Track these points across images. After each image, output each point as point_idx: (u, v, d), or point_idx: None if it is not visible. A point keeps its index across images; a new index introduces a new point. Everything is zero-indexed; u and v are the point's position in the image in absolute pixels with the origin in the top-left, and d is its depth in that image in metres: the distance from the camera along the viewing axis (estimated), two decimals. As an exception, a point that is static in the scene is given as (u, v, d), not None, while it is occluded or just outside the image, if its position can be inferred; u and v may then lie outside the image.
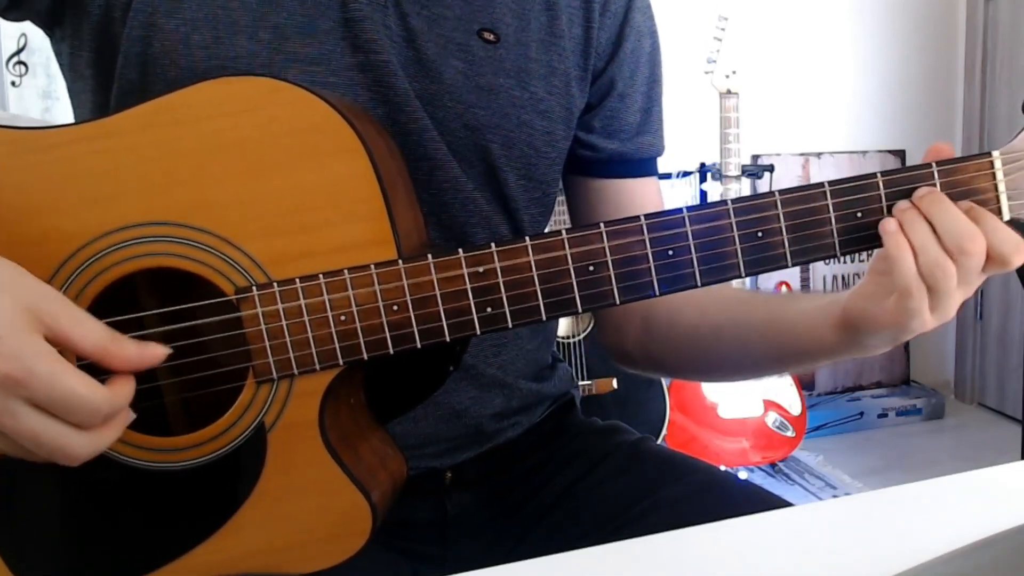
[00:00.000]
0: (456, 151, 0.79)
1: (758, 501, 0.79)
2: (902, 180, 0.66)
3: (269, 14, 0.74)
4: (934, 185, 0.66)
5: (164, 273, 0.64)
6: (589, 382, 2.28)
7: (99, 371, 0.58)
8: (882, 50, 3.20)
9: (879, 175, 0.66)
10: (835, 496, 2.55)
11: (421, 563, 0.85)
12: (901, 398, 3.16)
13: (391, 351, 0.65)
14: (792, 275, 3.10)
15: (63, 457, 0.57)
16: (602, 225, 0.65)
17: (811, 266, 3.16)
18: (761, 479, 2.62)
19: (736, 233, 0.65)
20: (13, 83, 2.45)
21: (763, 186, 2.74)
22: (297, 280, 0.64)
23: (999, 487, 0.70)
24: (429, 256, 0.64)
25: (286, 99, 0.64)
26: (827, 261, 3.16)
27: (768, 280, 2.91)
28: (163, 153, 0.64)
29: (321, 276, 0.64)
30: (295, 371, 0.64)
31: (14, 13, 0.76)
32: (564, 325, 2.29)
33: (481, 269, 0.64)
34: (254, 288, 0.64)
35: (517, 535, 0.86)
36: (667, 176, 2.73)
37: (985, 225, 0.65)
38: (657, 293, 0.65)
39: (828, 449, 2.87)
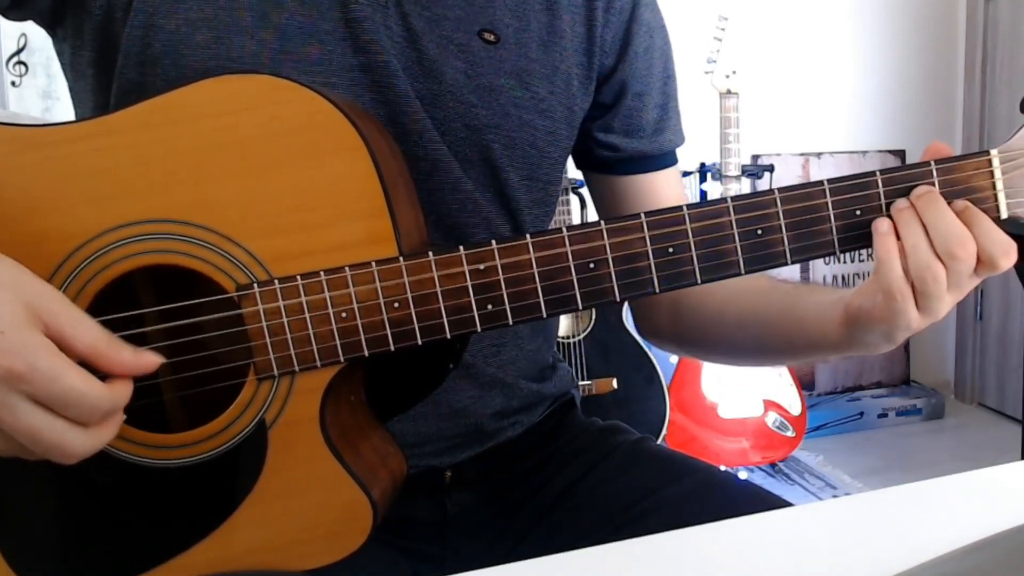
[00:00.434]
0: (457, 151, 0.79)
1: (758, 501, 0.79)
2: (901, 178, 0.66)
3: (270, 15, 0.74)
4: (933, 184, 0.66)
5: (165, 270, 0.64)
6: (589, 382, 2.28)
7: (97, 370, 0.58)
8: (882, 50, 3.20)
9: (878, 173, 0.66)
10: (835, 496, 2.55)
11: (421, 562, 0.85)
12: (901, 398, 3.16)
13: (392, 348, 0.65)
14: (792, 274, 3.09)
15: (59, 454, 0.57)
16: (603, 223, 0.65)
17: (811, 266, 3.16)
18: (761, 479, 2.62)
19: (736, 231, 0.66)
20: (13, 83, 2.45)
21: (763, 186, 2.74)
22: (298, 277, 0.64)
23: (999, 487, 0.70)
24: (430, 253, 0.64)
25: (287, 97, 0.64)
26: (827, 260, 3.16)
27: (768, 279, 2.91)
28: (164, 151, 0.64)
29: (322, 273, 0.64)
30: (296, 368, 0.64)
31: (16, 13, 0.76)
32: (564, 325, 2.29)
33: (482, 266, 0.64)
34: (255, 285, 0.64)
35: (517, 535, 0.86)
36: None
37: (978, 227, 0.65)
38: (657, 290, 0.66)
39: (828, 449, 2.87)
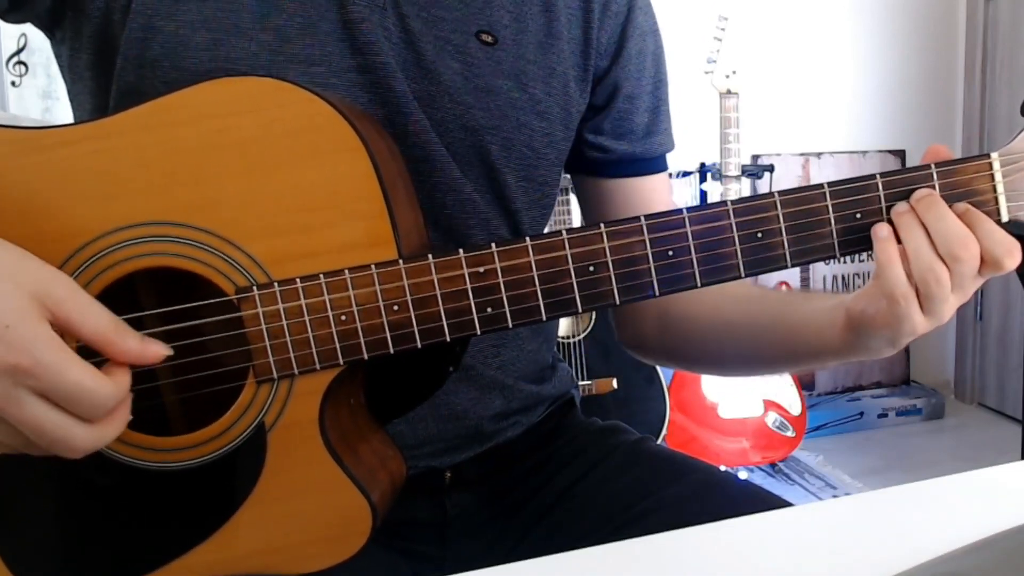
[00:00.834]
0: (455, 152, 0.79)
1: (758, 501, 0.79)
2: (901, 181, 0.66)
3: (269, 16, 0.74)
4: (933, 187, 0.66)
5: (164, 273, 0.64)
6: (589, 382, 2.28)
7: (97, 360, 0.58)
8: (882, 50, 3.20)
9: (878, 176, 0.66)
10: (835, 496, 2.55)
11: (420, 563, 0.85)
12: (901, 398, 3.16)
13: (391, 351, 0.65)
14: (792, 275, 3.10)
15: (64, 449, 0.57)
16: (602, 225, 0.65)
17: (811, 266, 3.16)
18: (761, 479, 2.62)
19: (736, 234, 0.65)
20: (13, 83, 2.45)
21: (763, 186, 2.75)
22: (298, 280, 0.64)
23: (999, 487, 0.69)
24: (430, 256, 0.64)
25: (287, 99, 0.64)
26: (827, 261, 3.16)
27: (768, 279, 2.91)
28: (164, 153, 0.64)
29: (322, 276, 0.64)
30: (295, 371, 0.64)
31: (14, 15, 0.76)
32: (564, 325, 2.29)
33: (481, 269, 0.64)
34: (255, 288, 0.64)
35: (517, 535, 0.86)
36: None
37: (980, 228, 0.65)
38: (657, 294, 0.66)
39: (828, 449, 2.87)
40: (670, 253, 0.65)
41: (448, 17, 0.78)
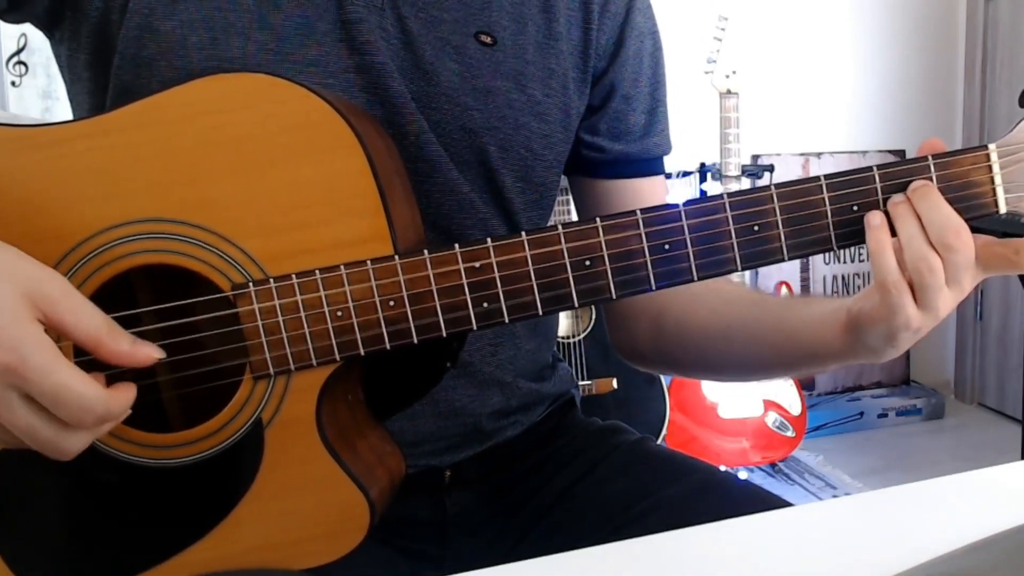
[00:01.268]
0: (453, 153, 0.79)
1: (758, 501, 0.79)
2: (898, 173, 0.66)
3: (266, 16, 0.74)
4: (930, 178, 0.66)
5: (161, 270, 0.64)
6: (589, 382, 2.28)
7: (106, 372, 0.58)
8: (882, 50, 3.20)
9: (875, 169, 0.66)
10: (835, 496, 2.55)
11: (420, 562, 0.85)
12: (901, 398, 3.16)
13: (388, 346, 0.64)
14: (792, 276, 3.10)
15: (53, 452, 0.57)
16: (598, 220, 0.65)
17: (811, 266, 3.16)
18: (761, 479, 2.62)
19: (732, 227, 0.65)
20: (13, 83, 2.45)
21: (763, 186, 2.74)
22: (294, 276, 0.63)
23: (999, 487, 0.69)
24: (425, 252, 0.64)
25: (283, 96, 0.64)
26: (827, 260, 3.15)
27: (768, 280, 2.91)
28: (160, 150, 0.64)
29: (317, 272, 0.63)
30: (292, 367, 0.64)
31: (13, 15, 0.76)
32: (564, 325, 2.29)
33: (477, 264, 0.64)
34: (251, 284, 0.64)
35: (517, 535, 0.86)
36: (667, 176, 2.72)
37: (923, 202, 0.64)
38: (653, 287, 0.65)
39: (828, 449, 2.87)
40: (666, 247, 0.65)
41: (447, 18, 0.78)
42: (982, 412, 3.26)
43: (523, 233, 0.64)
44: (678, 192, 2.83)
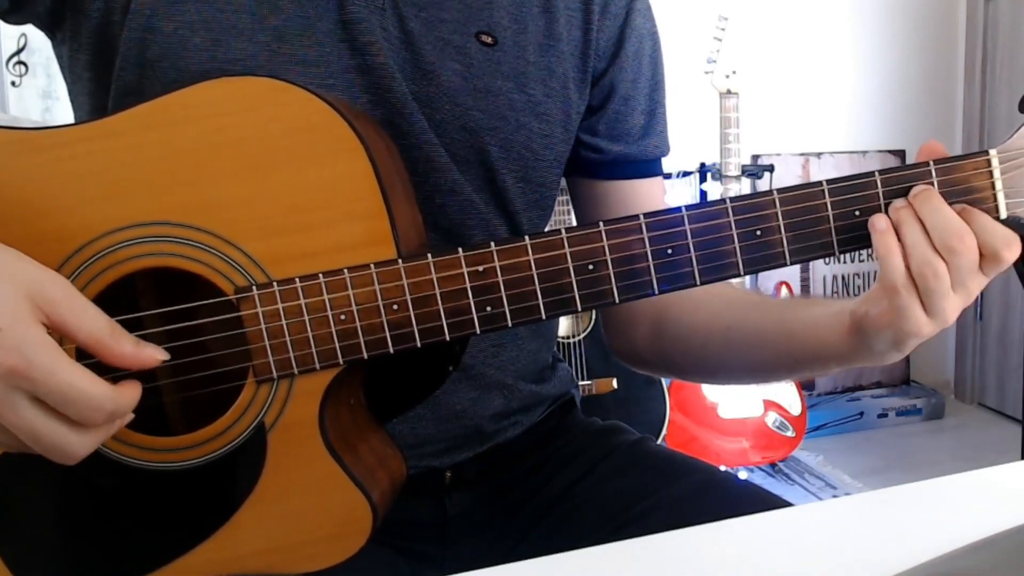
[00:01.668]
0: (454, 153, 0.79)
1: (758, 501, 0.79)
2: (900, 179, 0.66)
3: (268, 16, 0.74)
4: (932, 184, 0.66)
5: (164, 273, 0.64)
6: (589, 382, 2.28)
7: (109, 374, 0.58)
8: (882, 50, 3.20)
9: (877, 174, 0.66)
10: (835, 496, 2.55)
11: (420, 563, 0.85)
12: (901, 398, 3.16)
13: (391, 350, 0.65)
14: (792, 276, 3.10)
15: (59, 456, 0.57)
16: (601, 224, 0.65)
17: (811, 266, 3.16)
18: (761, 479, 2.62)
19: (735, 232, 0.65)
20: (13, 83, 2.45)
21: (763, 186, 2.74)
22: (297, 280, 0.64)
23: (999, 487, 0.69)
24: (429, 255, 0.64)
25: (286, 99, 0.64)
26: (827, 261, 3.15)
27: (768, 280, 2.91)
28: (163, 153, 0.64)
29: (321, 275, 0.64)
30: (295, 370, 0.64)
31: (15, 16, 0.76)
32: (564, 325, 2.29)
33: (481, 268, 0.64)
34: (254, 288, 0.64)
35: (517, 535, 0.86)
36: (667, 176, 2.73)
37: (975, 223, 0.65)
38: (656, 292, 0.65)
39: (828, 449, 2.87)
40: (669, 251, 0.65)
41: (448, 18, 0.78)
42: (982, 412, 3.26)
43: (527, 237, 0.64)
44: (678, 192, 2.83)
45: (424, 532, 0.86)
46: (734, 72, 2.36)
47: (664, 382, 2.39)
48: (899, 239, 0.65)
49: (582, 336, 2.30)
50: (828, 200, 0.66)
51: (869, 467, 2.77)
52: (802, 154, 3.13)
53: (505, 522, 0.87)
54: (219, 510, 0.66)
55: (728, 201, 0.65)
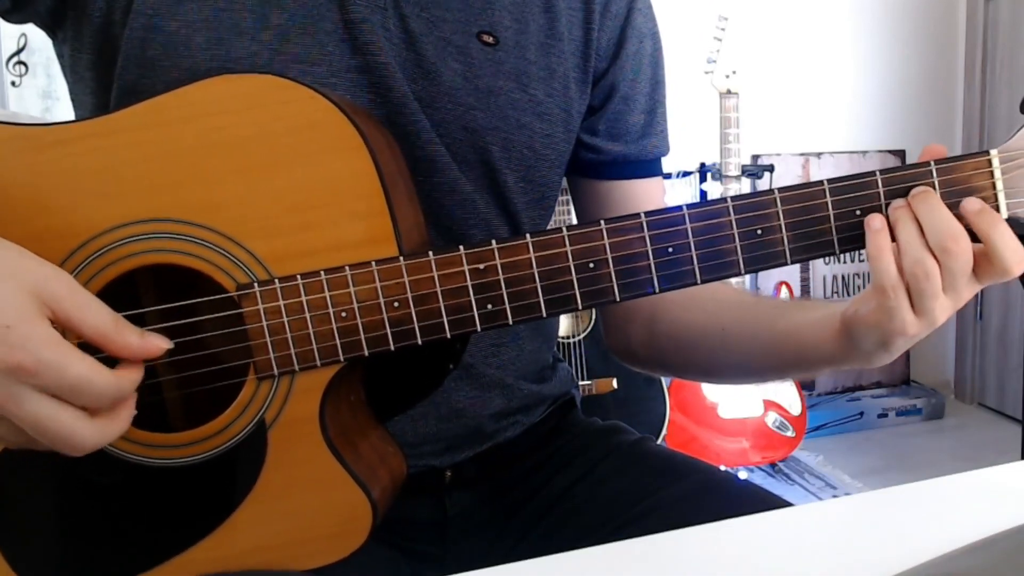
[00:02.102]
0: (455, 153, 0.79)
1: (758, 501, 0.79)
2: (900, 179, 0.66)
3: (269, 16, 0.74)
4: (932, 184, 0.66)
5: (166, 270, 0.64)
6: (589, 382, 2.28)
7: (108, 361, 0.58)
8: (882, 50, 3.20)
9: (878, 174, 0.66)
10: (835, 496, 2.55)
11: (420, 562, 0.85)
12: (901, 398, 3.16)
13: (392, 347, 0.65)
14: (792, 276, 3.10)
15: (67, 446, 0.57)
16: (602, 222, 0.65)
17: (811, 266, 3.16)
18: (761, 479, 2.62)
19: (736, 231, 0.66)
20: (13, 83, 2.45)
21: (763, 186, 2.74)
22: (299, 276, 0.64)
23: (999, 487, 0.69)
24: (430, 253, 0.64)
25: (288, 97, 0.64)
26: (827, 260, 3.15)
27: (768, 280, 2.91)
28: (166, 150, 0.64)
29: (323, 273, 0.64)
30: (296, 367, 0.64)
31: (16, 16, 0.76)
32: (564, 325, 2.29)
33: (482, 266, 0.64)
34: (256, 284, 0.64)
35: (517, 535, 0.86)
36: (667, 176, 2.73)
37: (995, 229, 0.64)
38: (657, 290, 0.66)
39: (828, 449, 2.87)
40: (670, 250, 0.65)
41: (449, 18, 0.78)
42: (982, 412, 3.26)
43: (527, 235, 0.64)
44: (678, 192, 2.83)
45: (424, 531, 0.86)
46: (734, 72, 2.36)
47: (664, 382, 2.39)
48: (894, 237, 0.66)
49: (582, 336, 2.30)
50: (829, 199, 0.66)
51: (869, 467, 2.77)
52: (802, 154, 3.13)
53: (505, 522, 0.87)
54: (219, 506, 0.66)
55: (729, 200, 0.65)
